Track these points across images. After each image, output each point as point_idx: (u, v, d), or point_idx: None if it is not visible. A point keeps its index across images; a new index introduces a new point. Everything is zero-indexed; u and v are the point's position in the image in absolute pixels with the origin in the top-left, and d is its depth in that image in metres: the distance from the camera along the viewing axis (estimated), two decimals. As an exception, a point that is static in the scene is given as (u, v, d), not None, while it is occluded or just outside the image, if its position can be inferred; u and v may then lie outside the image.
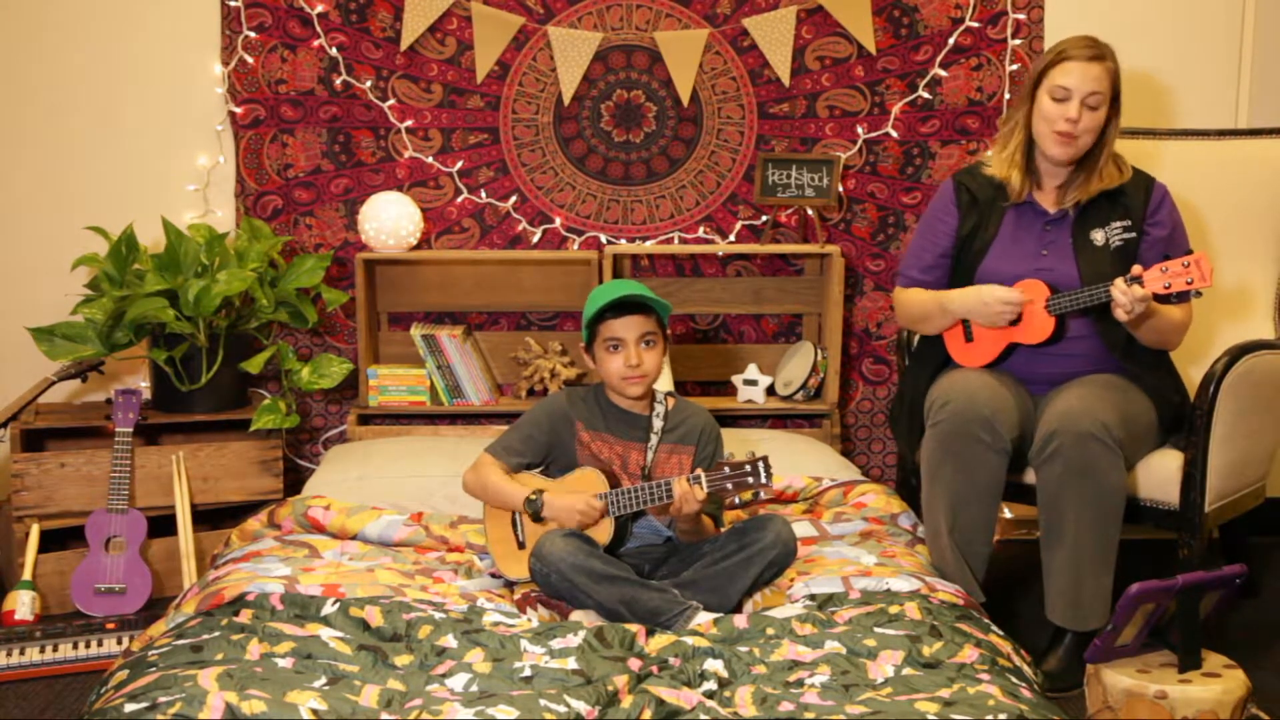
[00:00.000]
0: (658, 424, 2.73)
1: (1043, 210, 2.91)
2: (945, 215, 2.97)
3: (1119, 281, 2.68)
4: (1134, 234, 2.85)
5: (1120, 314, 2.69)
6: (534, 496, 2.64)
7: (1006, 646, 2.38)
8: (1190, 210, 3.29)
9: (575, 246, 3.68)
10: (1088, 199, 2.86)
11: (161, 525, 3.22)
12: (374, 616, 2.40)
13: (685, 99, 3.60)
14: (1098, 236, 2.85)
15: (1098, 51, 2.81)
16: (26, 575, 3.08)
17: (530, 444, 2.74)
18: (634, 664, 2.22)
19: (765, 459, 2.51)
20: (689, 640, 2.31)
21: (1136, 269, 2.69)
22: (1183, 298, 2.68)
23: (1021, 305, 2.80)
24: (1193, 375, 2.95)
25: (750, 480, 2.51)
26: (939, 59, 3.61)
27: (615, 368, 2.67)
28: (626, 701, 2.07)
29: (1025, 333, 2.83)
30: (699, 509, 2.55)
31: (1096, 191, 2.85)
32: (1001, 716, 2.01)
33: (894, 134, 3.65)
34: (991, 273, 2.88)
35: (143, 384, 3.57)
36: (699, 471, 2.54)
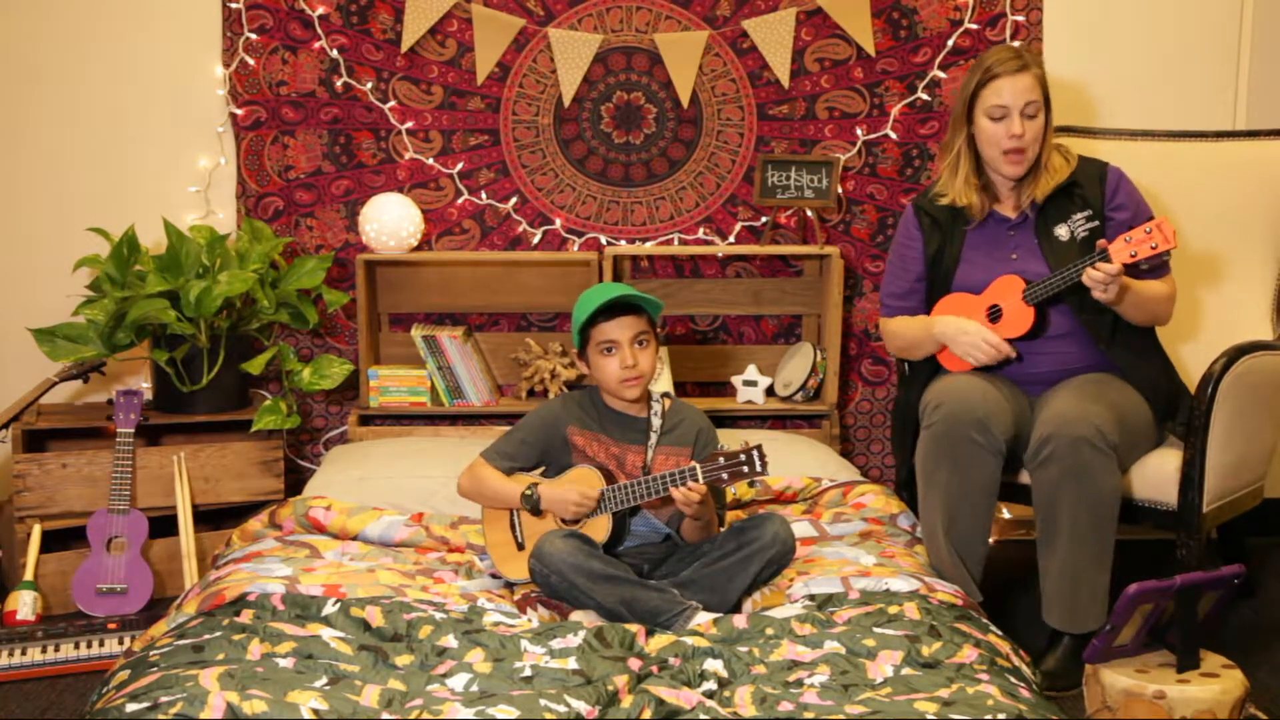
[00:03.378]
0: (656, 423, 2.74)
1: (1004, 217, 2.94)
2: (911, 241, 3.02)
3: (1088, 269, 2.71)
4: (1097, 222, 2.87)
5: (1098, 293, 2.72)
6: (530, 491, 2.66)
7: (1005, 646, 2.39)
8: (1188, 211, 3.30)
9: (575, 248, 3.69)
10: (1045, 197, 2.89)
11: (163, 525, 3.23)
12: (375, 617, 2.40)
13: (685, 101, 3.61)
14: (1062, 232, 2.88)
15: (1023, 61, 2.83)
16: (28, 575, 3.09)
17: (523, 449, 2.75)
18: (634, 664, 2.22)
19: (759, 447, 2.51)
20: (689, 640, 2.32)
21: (1101, 243, 2.73)
22: (1156, 268, 2.73)
23: (998, 357, 2.82)
24: (1191, 376, 2.95)
25: (745, 469, 2.51)
26: (938, 61, 3.62)
27: (611, 370, 2.68)
28: (626, 701, 2.08)
29: (1006, 327, 2.86)
30: (701, 498, 2.55)
31: (1051, 187, 2.88)
32: (1000, 716, 2.01)
33: (893, 135, 3.66)
34: (966, 284, 2.93)
35: (144, 385, 3.58)
36: (694, 463, 2.55)
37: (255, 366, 3.31)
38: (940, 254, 2.96)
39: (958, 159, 2.94)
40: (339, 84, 3.58)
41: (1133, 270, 2.73)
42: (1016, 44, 2.84)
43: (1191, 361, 3.19)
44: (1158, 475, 2.84)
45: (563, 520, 2.68)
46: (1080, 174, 2.91)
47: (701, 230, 3.70)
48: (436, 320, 3.70)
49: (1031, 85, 2.83)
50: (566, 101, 3.61)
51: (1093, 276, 2.71)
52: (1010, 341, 2.86)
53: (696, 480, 2.52)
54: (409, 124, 3.61)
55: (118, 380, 3.60)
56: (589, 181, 3.67)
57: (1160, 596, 2.35)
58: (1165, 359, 2.94)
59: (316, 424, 3.74)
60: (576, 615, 2.54)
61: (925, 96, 3.63)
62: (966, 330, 2.85)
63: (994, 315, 2.88)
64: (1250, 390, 2.86)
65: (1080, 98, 3.63)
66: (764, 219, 3.67)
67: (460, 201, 3.66)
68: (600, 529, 2.63)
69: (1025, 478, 2.80)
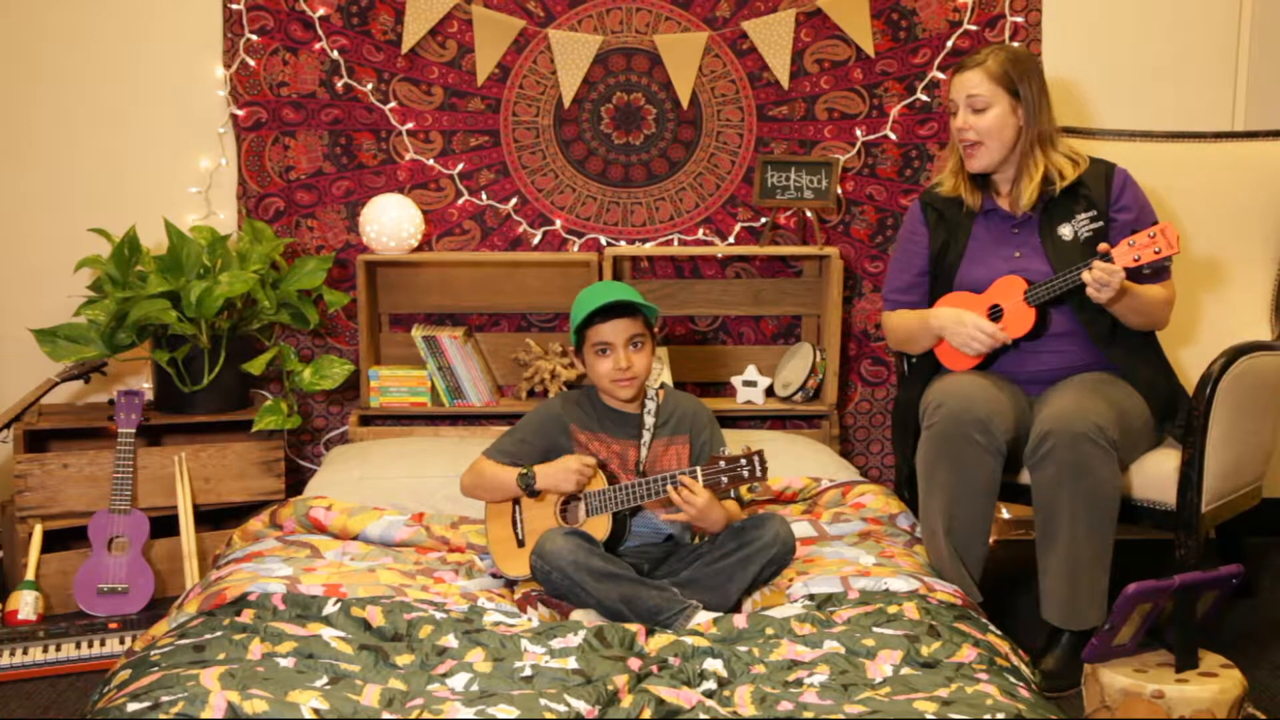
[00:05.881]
0: (649, 420, 2.75)
1: (1008, 214, 2.96)
2: (916, 235, 3.04)
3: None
4: (1101, 223, 2.88)
5: (1093, 292, 2.72)
6: (526, 471, 2.67)
7: (1004, 646, 2.39)
8: (1187, 212, 3.30)
9: (575, 248, 3.69)
10: (1048, 199, 2.90)
11: (164, 525, 3.23)
12: (375, 616, 2.41)
13: (685, 101, 3.62)
14: (1065, 231, 2.89)
15: (976, 60, 2.89)
16: (30, 575, 3.10)
17: (524, 448, 2.76)
18: (634, 663, 2.23)
19: (760, 453, 2.52)
20: (689, 640, 2.32)
21: (1103, 246, 2.73)
22: (1158, 273, 2.73)
23: (994, 344, 2.83)
24: (1190, 376, 2.96)
25: (745, 474, 2.52)
26: (937, 61, 3.62)
27: (605, 371, 2.70)
28: (626, 701, 2.09)
29: (1007, 327, 2.86)
30: (702, 504, 2.56)
31: (1058, 189, 2.89)
32: (999, 716, 2.02)
33: (892, 136, 3.66)
34: (968, 280, 2.94)
35: (145, 385, 3.58)
36: (695, 468, 2.56)
37: (256, 367, 3.31)
38: (945, 249, 2.98)
39: (950, 150, 3.03)
40: (339, 85, 3.58)
41: (1134, 275, 2.73)
42: (1015, 44, 2.85)
43: (1190, 362, 3.19)
44: (1156, 475, 2.84)
45: (563, 508, 2.69)
46: (1087, 174, 2.92)
47: (701, 231, 3.70)
48: (437, 321, 3.70)
49: (975, 79, 2.87)
50: (566, 102, 3.61)
51: (1093, 276, 2.71)
52: (1009, 346, 2.86)
53: (695, 481, 2.53)
54: (409, 125, 3.62)
55: (119, 380, 3.60)
56: (589, 182, 3.68)
57: (1159, 596, 2.35)
58: (1164, 361, 2.95)
59: (317, 424, 3.74)
60: (577, 614, 2.55)
61: (924, 97, 3.64)
62: (963, 320, 2.86)
63: (995, 315, 2.88)
64: (1249, 390, 2.87)
65: (1079, 98, 3.64)
66: (763, 220, 3.68)
67: (460, 202, 3.66)
68: (600, 528, 2.64)
69: (1026, 478, 2.80)
